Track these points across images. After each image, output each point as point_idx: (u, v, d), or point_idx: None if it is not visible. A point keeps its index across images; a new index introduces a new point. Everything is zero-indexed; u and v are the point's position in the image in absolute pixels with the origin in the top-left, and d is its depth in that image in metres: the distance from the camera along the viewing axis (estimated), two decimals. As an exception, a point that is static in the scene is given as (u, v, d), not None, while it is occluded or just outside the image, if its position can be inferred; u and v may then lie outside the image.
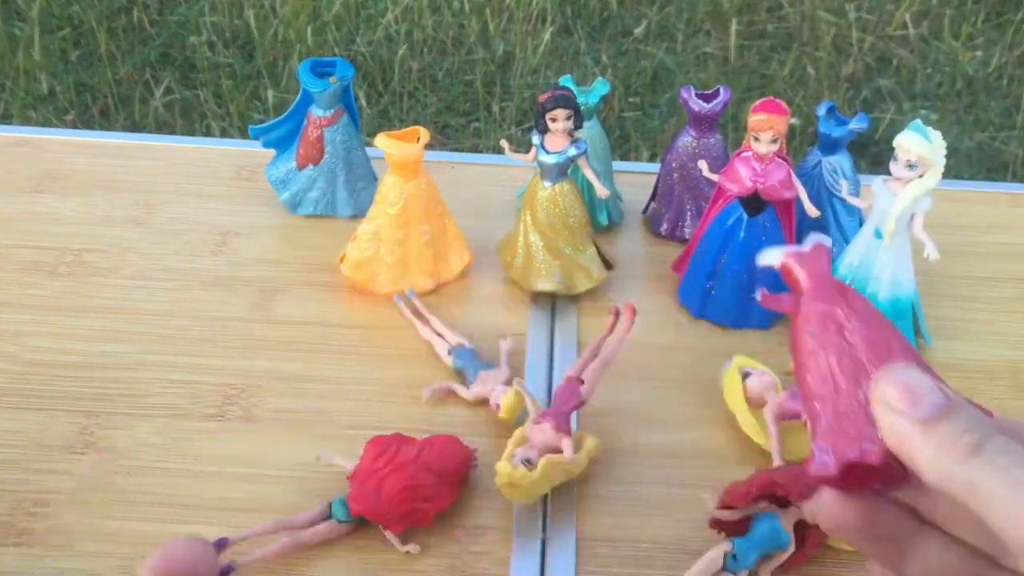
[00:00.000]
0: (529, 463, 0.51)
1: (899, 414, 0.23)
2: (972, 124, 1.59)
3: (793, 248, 0.28)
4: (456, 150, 1.52)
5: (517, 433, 0.53)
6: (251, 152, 0.78)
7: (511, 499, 0.52)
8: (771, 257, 0.29)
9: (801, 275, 0.28)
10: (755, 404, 0.57)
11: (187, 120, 1.56)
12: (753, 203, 0.63)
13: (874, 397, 0.24)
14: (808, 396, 0.26)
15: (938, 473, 0.22)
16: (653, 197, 0.73)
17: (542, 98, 0.62)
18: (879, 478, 0.25)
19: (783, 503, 0.49)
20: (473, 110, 1.61)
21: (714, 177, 0.64)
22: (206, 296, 0.66)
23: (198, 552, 0.45)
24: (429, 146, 0.64)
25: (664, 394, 0.60)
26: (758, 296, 0.29)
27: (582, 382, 0.54)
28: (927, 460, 0.23)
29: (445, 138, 1.56)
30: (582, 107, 0.64)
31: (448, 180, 0.73)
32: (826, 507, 0.26)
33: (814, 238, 0.29)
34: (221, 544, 0.48)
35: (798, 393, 0.55)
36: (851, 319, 0.27)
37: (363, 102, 1.60)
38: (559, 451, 0.52)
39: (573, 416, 0.55)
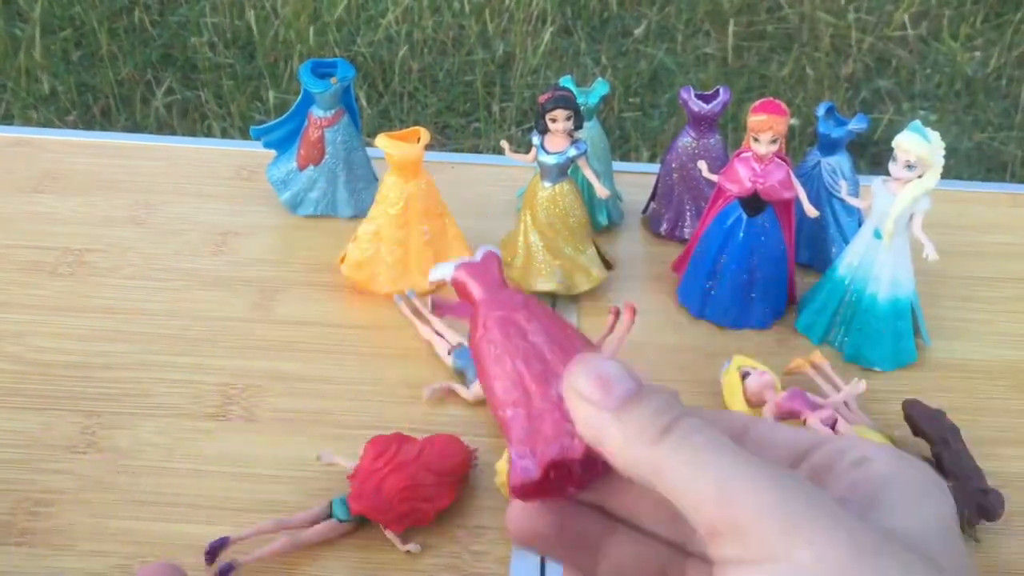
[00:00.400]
0: None
1: (591, 404, 0.23)
2: (971, 124, 1.59)
3: (462, 260, 0.28)
4: (456, 150, 1.52)
5: None
6: (252, 152, 0.78)
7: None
8: (440, 272, 0.28)
9: (473, 286, 0.27)
10: (755, 403, 0.57)
11: (188, 120, 1.56)
12: (753, 203, 0.63)
13: (566, 390, 0.23)
14: (497, 406, 0.25)
15: (627, 458, 0.22)
16: (653, 197, 0.73)
17: (542, 98, 0.63)
18: (577, 481, 0.24)
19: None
20: (473, 110, 1.61)
21: (714, 177, 0.65)
22: (206, 296, 0.66)
23: None
24: (429, 146, 0.64)
25: (664, 394, 0.60)
26: (430, 307, 0.29)
27: None
28: (619, 446, 0.22)
29: (445, 138, 1.56)
30: (582, 107, 0.64)
31: (448, 180, 0.73)
32: (515, 520, 0.25)
33: (483, 249, 0.28)
34: (222, 543, 0.48)
35: (798, 392, 0.55)
36: (531, 320, 0.26)
37: (364, 102, 1.60)
38: None
39: None
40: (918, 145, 0.57)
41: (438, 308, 0.31)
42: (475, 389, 0.59)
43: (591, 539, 0.26)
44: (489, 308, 0.26)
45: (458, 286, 0.28)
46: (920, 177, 0.58)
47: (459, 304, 0.29)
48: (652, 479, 0.21)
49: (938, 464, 0.53)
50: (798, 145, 1.49)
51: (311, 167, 0.72)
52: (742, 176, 0.62)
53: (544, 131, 0.63)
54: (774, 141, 0.61)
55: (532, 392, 0.25)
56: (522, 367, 0.25)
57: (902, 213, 0.59)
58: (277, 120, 0.73)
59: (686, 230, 0.72)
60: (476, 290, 0.27)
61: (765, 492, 0.20)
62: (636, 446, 0.22)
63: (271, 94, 1.60)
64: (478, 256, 0.28)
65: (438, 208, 0.66)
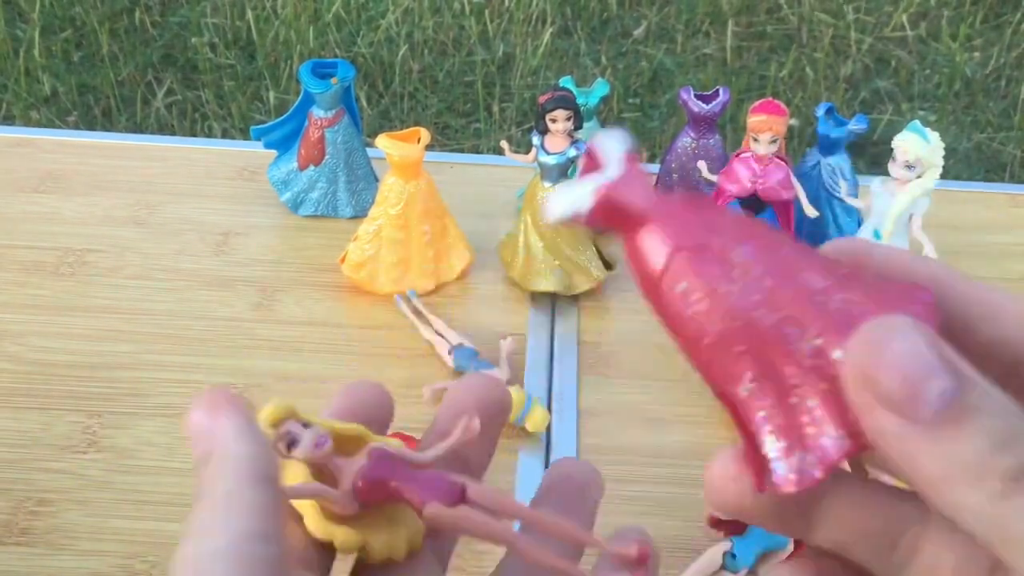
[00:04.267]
0: (293, 444, 0.24)
1: (889, 412, 0.16)
2: (970, 125, 1.59)
3: (600, 177, 0.19)
4: (456, 151, 1.52)
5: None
6: (252, 153, 0.78)
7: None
8: (571, 201, 0.19)
9: (633, 208, 0.18)
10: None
11: (188, 121, 1.56)
12: (752, 204, 0.63)
13: (850, 376, 0.16)
14: (723, 380, 0.18)
15: (951, 503, 0.15)
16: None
17: (542, 99, 0.63)
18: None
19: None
20: (473, 111, 1.61)
21: (713, 178, 0.65)
22: (207, 296, 0.66)
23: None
24: (429, 147, 0.64)
25: (664, 394, 0.61)
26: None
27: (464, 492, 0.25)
28: (937, 484, 0.15)
29: (445, 139, 1.56)
30: (582, 108, 0.65)
31: (448, 180, 0.73)
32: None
33: (608, 139, 0.19)
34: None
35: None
36: (737, 244, 0.18)
37: (364, 103, 1.60)
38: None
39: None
40: (917, 145, 0.57)
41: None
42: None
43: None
44: (664, 241, 0.18)
45: (604, 219, 0.19)
46: (919, 177, 0.58)
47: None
48: (992, 542, 0.15)
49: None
50: (797, 145, 1.49)
51: (312, 167, 0.72)
52: (742, 176, 0.63)
53: (544, 131, 0.63)
54: (773, 141, 0.61)
55: (771, 357, 0.17)
56: (746, 324, 0.17)
57: (901, 213, 0.59)
58: (278, 120, 0.73)
59: (686, 230, 0.72)
60: (641, 221, 0.18)
61: None
62: (966, 493, 0.15)
63: (271, 94, 1.60)
64: (611, 158, 0.19)
65: (439, 208, 0.66)
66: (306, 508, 0.22)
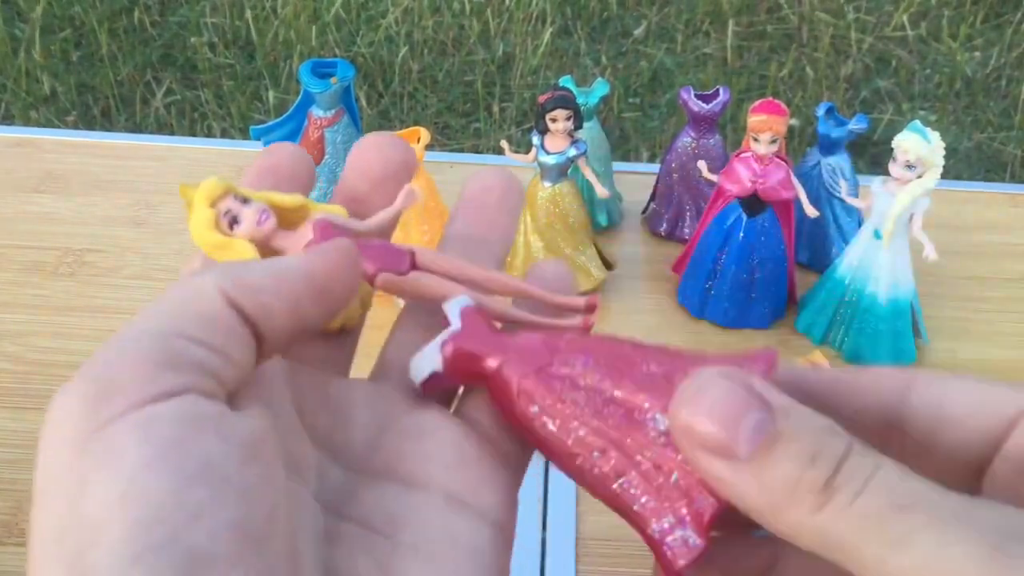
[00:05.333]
0: (235, 223, 0.23)
1: (712, 454, 0.16)
2: (971, 125, 1.59)
3: (446, 333, 0.21)
4: (456, 150, 1.52)
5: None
6: (252, 153, 0.78)
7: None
8: (426, 364, 0.21)
9: (478, 358, 0.20)
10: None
11: (188, 121, 1.56)
12: (752, 204, 0.63)
13: (677, 437, 0.17)
14: (596, 485, 0.19)
15: (782, 527, 0.16)
16: (653, 197, 0.73)
17: (542, 99, 0.63)
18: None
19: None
20: (473, 111, 1.61)
21: (713, 178, 0.65)
22: (207, 296, 0.66)
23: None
24: (429, 147, 0.64)
25: (664, 394, 0.60)
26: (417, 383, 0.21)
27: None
28: (767, 512, 0.16)
29: (445, 139, 1.56)
30: (582, 108, 0.64)
31: (448, 180, 0.73)
32: None
33: (452, 308, 0.21)
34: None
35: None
36: (569, 361, 0.19)
37: (364, 103, 1.60)
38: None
39: None
40: (918, 145, 0.57)
41: (429, 390, 0.22)
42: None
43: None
44: (511, 374, 0.20)
45: (456, 369, 0.21)
46: (920, 177, 0.58)
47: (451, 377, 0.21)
48: (823, 552, 0.16)
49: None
50: (798, 145, 1.49)
51: (311, 167, 0.72)
52: (742, 176, 0.62)
53: (544, 131, 0.63)
54: (774, 141, 0.61)
55: (628, 447, 0.19)
56: (598, 423, 0.19)
57: (902, 213, 0.59)
58: (277, 120, 0.73)
59: (686, 230, 0.72)
60: (485, 360, 0.20)
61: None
62: (789, 513, 0.16)
63: (271, 94, 1.60)
64: (453, 319, 0.21)
65: (438, 208, 0.66)
66: None
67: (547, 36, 1.71)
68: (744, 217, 0.63)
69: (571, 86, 0.67)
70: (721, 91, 0.68)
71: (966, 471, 0.18)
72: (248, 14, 1.72)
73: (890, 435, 0.19)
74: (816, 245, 0.70)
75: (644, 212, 0.75)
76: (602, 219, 0.73)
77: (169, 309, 0.17)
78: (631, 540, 0.58)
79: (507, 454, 0.21)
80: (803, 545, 0.16)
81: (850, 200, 0.64)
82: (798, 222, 0.65)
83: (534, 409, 0.20)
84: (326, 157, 0.72)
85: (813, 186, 0.67)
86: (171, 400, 0.16)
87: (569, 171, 0.64)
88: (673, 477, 0.18)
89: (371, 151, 0.24)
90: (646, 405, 0.19)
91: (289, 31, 1.70)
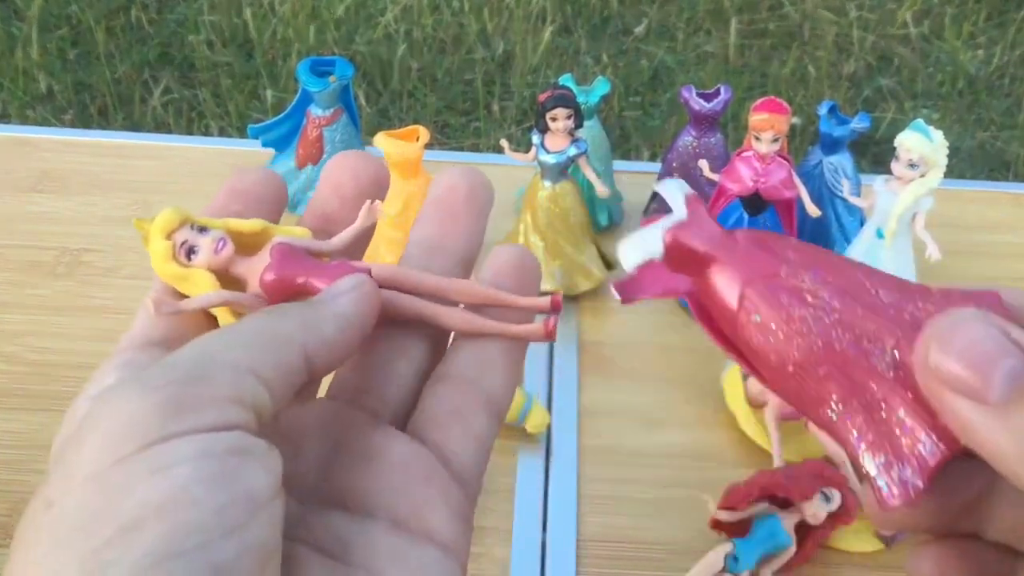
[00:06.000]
0: (192, 252, 0.22)
1: (962, 396, 0.16)
2: (974, 123, 1.58)
3: (669, 220, 0.20)
4: (456, 149, 1.52)
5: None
6: (250, 152, 0.78)
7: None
8: (644, 246, 0.20)
9: (702, 250, 0.19)
10: (756, 404, 0.57)
11: (185, 119, 1.56)
12: (754, 203, 0.63)
13: (921, 373, 0.17)
14: (811, 407, 0.18)
15: None
16: (654, 197, 0.73)
17: (542, 97, 0.62)
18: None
19: (784, 504, 0.49)
20: (473, 109, 1.60)
21: (715, 177, 0.64)
22: (205, 296, 0.66)
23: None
24: (429, 145, 0.64)
25: (664, 394, 0.60)
26: (617, 294, 0.20)
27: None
28: (1012, 461, 0.16)
29: (445, 137, 1.55)
30: (582, 106, 0.64)
31: (448, 179, 0.73)
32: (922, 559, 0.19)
33: (670, 186, 0.20)
34: None
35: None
36: (802, 272, 0.19)
37: (362, 101, 1.59)
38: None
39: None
40: (921, 144, 0.57)
41: (627, 292, 0.20)
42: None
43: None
44: (736, 278, 0.19)
45: (675, 260, 0.20)
46: (923, 176, 0.58)
47: (657, 277, 0.20)
48: None
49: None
50: (800, 144, 1.48)
51: (310, 166, 0.72)
52: (743, 175, 0.62)
53: (544, 130, 0.62)
54: (776, 140, 0.61)
55: (853, 374, 0.18)
56: (824, 343, 0.18)
57: (904, 212, 0.58)
58: (275, 119, 0.72)
59: (687, 229, 0.72)
60: (711, 260, 0.19)
61: None
62: None
63: (269, 93, 1.59)
64: (677, 206, 0.20)
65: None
66: (221, 315, 0.21)
67: (547, 34, 1.71)
68: (746, 216, 0.63)
69: (571, 85, 0.67)
70: (722, 89, 0.67)
71: None
72: (246, 12, 1.71)
73: None
74: (818, 244, 0.69)
75: (645, 212, 0.74)
76: (603, 218, 0.72)
77: (252, 343, 0.19)
78: (632, 541, 0.58)
79: (460, 471, 0.21)
80: None
81: (852, 199, 0.63)
82: (800, 221, 0.65)
83: (756, 318, 0.18)
84: (324, 156, 0.71)
85: (815, 185, 0.67)
86: (229, 432, 0.17)
87: (569, 170, 0.64)
88: (899, 413, 0.17)
89: (343, 168, 0.24)
90: (877, 334, 0.17)
91: (287, 29, 1.70)
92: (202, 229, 0.21)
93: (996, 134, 1.57)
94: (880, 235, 0.60)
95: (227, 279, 0.21)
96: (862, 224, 0.65)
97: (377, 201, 0.23)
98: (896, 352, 0.17)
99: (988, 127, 1.58)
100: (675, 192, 0.20)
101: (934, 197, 0.58)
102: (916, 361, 0.17)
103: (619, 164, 0.76)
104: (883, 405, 0.17)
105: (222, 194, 0.23)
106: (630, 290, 0.20)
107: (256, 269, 0.21)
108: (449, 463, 0.21)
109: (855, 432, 0.18)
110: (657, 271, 0.20)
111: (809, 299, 0.18)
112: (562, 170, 0.64)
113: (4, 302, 0.64)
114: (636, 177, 0.77)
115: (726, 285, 0.19)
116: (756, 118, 0.60)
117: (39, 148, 0.79)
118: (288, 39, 1.69)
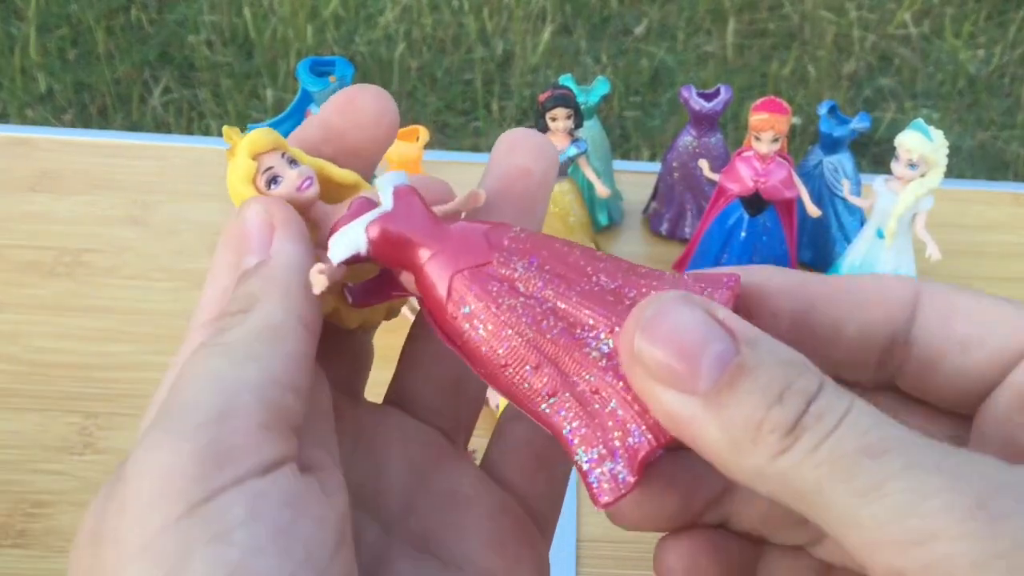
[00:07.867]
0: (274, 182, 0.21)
1: (668, 388, 0.15)
2: (974, 123, 1.59)
3: (375, 212, 0.18)
4: (455, 149, 1.52)
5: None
6: (250, 151, 0.78)
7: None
8: (348, 242, 0.18)
9: (410, 241, 0.18)
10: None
11: (185, 119, 1.56)
12: (754, 203, 0.63)
13: (625, 363, 0.15)
14: (524, 401, 0.17)
15: (739, 471, 0.14)
16: (654, 197, 0.73)
17: (542, 97, 0.62)
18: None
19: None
20: (473, 109, 1.60)
21: (715, 177, 0.64)
22: (205, 296, 0.65)
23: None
24: (428, 145, 0.64)
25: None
26: (349, 299, 0.19)
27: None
28: (723, 454, 0.14)
29: (445, 137, 1.55)
30: (582, 106, 0.64)
31: (448, 179, 0.73)
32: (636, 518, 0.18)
33: (387, 183, 0.19)
34: None
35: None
36: (513, 261, 0.17)
37: (363, 101, 1.59)
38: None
39: None
40: (921, 144, 0.57)
41: (357, 297, 0.20)
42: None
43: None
44: (443, 268, 0.18)
45: (382, 254, 0.18)
46: (923, 176, 0.58)
47: (380, 280, 0.19)
48: (785, 500, 0.14)
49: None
50: (800, 144, 1.48)
51: (310, 166, 0.71)
52: (743, 175, 0.62)
53: (544, 130, 0.62)
54: (776, 140, 0.61)
55: (565, 366, 0.17)
56: (535, 335, 0.17)
57: (904, 212, 0.58)
58: (275, 119, 0.72)
59: (687, 230, 0.72)
60: (417, 250, 0.18)
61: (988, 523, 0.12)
62: (751, 456, 0.14)
63: (269, 92, 1.59)
64: (385, 197, 0.19)
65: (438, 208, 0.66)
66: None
67: (547, 34, 1.71)
68: (746, 216, 0.63)
69: (571, 84, 0.67)
70: (722, 89, 0.67)
71: (968, 396, 0.17)
72: (246, 12, 1.71)
73: (893, 354, 0.17)
74: (818, 244, 0.70)
75: (645, 211, 0.74)
76: (603, 218, 0.72)
77: (260, 351, 0.17)
78: (632, 542, 0.58)
79: (539, 514, 0.21)
80: (764, 492, 0.14)
81: (852, 199, 0.63)
82: (800, 221, 0.65)
83: (465, 310, 0.17)
84: (325, 156, 0.71)
85: (815, 185, 0.67)
86: (274, 474, 0.16)
87: (569, 170, 0.64)
88: (611, 404, 0.16)
89: (367, 99, 0.21)
90: (591, 322, 0.17)
91: (287, 29, 1.69)
92: (292, 161, 0.19)
93: (996, 134, 1.57)
94: (880, 235, 0.60)
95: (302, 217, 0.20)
96: (862, 224, 0.65)
97: (481, 189, 0.21)
98: (611, 340, 0.17)
99: (988, 127, 1.58)
100: (386, 184, 0.19)
101: (934, 197, 0.58)
102: (621, 349, 0.16)
103: (619, 164, 0.76)
104: (597, 397, 0.16)
105: (323, 115, 0.20)
106: (357, 292, 0.20)
107: (332, 218, 0.19)
108: (533, 513, 0.20)
109: (567, 426, 0.17)
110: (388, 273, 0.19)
111: (520, 288, 0.17)
112: (562, 170, 0.63)
113: (3, 302, 0.64)
114: (636, 177, 0.77)
115: (436, 275, 0.18)
116: (756, 118, 0.60)
117: (38, 148, 0.79)
118: (288, 39, 1.69)
